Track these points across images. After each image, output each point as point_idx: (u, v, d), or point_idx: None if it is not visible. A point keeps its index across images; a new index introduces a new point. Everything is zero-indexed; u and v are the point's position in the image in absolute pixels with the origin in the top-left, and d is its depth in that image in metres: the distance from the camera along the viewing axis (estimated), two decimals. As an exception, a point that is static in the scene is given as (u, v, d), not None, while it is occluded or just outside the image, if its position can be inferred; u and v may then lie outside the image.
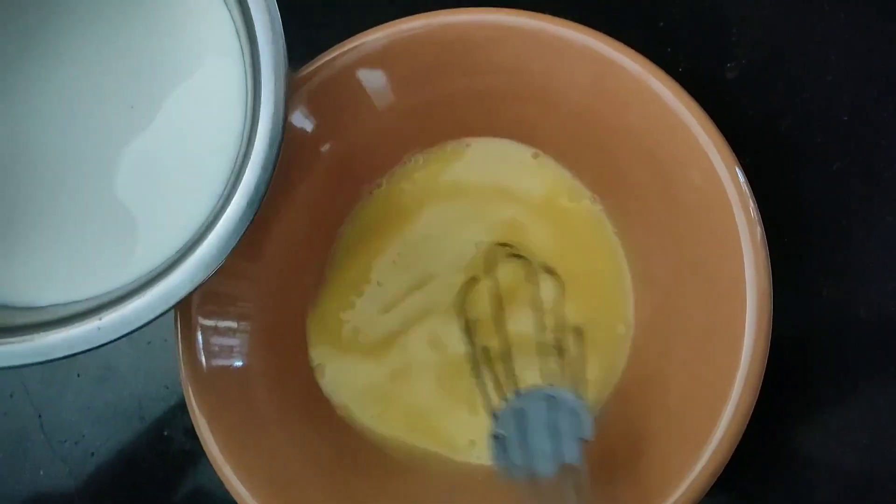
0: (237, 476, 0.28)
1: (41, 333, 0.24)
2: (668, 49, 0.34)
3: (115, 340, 0.24)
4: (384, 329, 0.33)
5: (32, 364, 0.24)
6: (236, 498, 0.28)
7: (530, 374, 0.29)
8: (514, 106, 0.32)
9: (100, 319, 0.24)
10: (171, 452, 0.35)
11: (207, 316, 0.30)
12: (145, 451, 0.36)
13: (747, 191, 0.26)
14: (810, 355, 0.31)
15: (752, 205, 0.26)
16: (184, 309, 0.29)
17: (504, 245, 0.32)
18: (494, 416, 0.26)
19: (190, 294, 0.25)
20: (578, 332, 0.29)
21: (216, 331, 0.30)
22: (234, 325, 0.31)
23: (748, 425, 0.25)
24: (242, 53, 0.26)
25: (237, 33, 0.26)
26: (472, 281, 0.31)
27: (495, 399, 0.27)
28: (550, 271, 0.30)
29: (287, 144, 0.25)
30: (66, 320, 0.24)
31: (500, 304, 0.30)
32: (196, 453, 0.35)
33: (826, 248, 0.32)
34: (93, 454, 0.36)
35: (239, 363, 0.30)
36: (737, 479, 0.31)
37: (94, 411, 0.36)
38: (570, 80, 0.30)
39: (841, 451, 0.30)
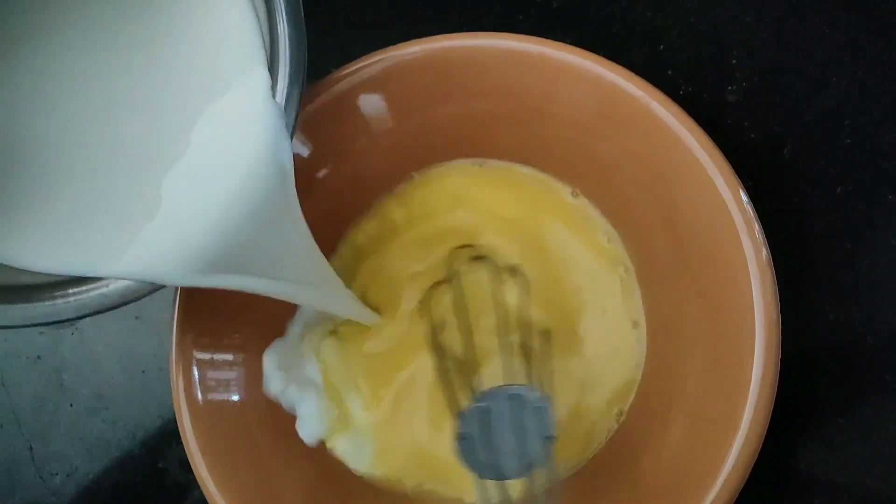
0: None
1: (55, 297, 0.25)
2: (669, 72, 0.34)
3: (120, 306, 0.25)
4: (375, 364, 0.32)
5: (40, 325, 0.25)
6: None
7: (496, 375, 0.29)
8: (516, 130, 0.32)
9: (106, 287, 0.25)
10: (166, 485, 0.35)
11: (203, 349, 0.29)
12: (139, 483, 0.35)
13: (752, 213, 0.26)
14: (817, 380, 0.31)
15: (757, 227, 0.26)
16: (179, 341, 0.29)
17: (466, 247, 0.32)
18: (460, 415, 0.26)
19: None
20: (546, 334, 0.29)
21: (212, 364, 0.29)
22: (230, 357, 0.30)
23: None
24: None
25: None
26: (435, 285, 0.31)
27: (461, 400, 0.27)
28: (514, 271, 0.30)
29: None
30: (70, 283, 0.25)
31: (464, 307, 0.30)
32: (191, 486, 0.34)
33: (831, 273, 0.31)
34: (85, 487, 0.35)
35: (235, 397, 0.30)
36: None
37: (87, 442, 0.36)
38: (572, 105, 0.29)
39: (848, 477, 0.30)
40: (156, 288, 0.25)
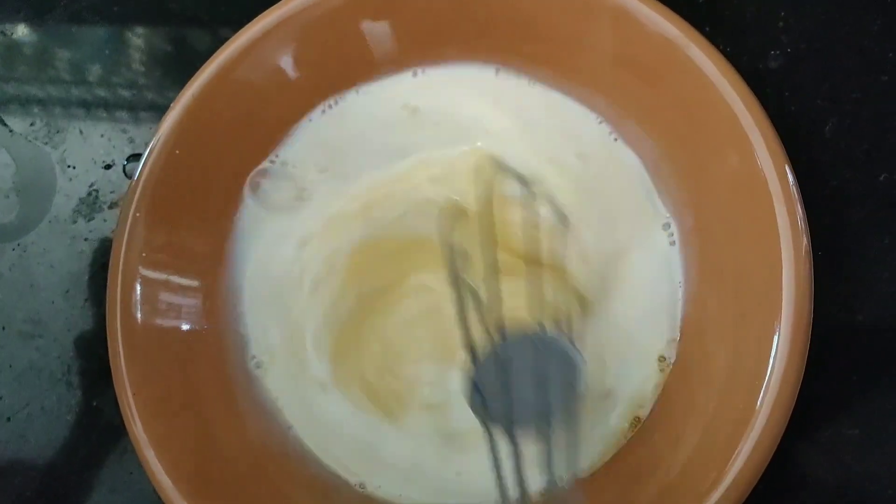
0: (161, 462, 0.24)
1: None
2: (707, 28, 0.30)
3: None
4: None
5: None
6: (156, 486, 0.24)
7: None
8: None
9: None
10: (99, 425, 0.31)
11: (155, 267, 0.26)
12: (70, 421, 0.31)
13: (796, 195, 0.23)
14: (837, 384, 0.27)
15: (799, 213, 0.23)
16: (127, 254, 0.25)
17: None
18: (475, 360, 0.22)
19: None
20: (582, 300, 0.25)
21: (163, 285, 0.26)
22: (184, 281, 0.27)
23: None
24: None
25: None
26: (455, 206, 0.26)
27: (478, 337, 0.23)
28: (558, 208, 0.26)
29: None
30: None
31: (491, 230, 0.26)
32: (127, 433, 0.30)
33: (864, 269, 0.28)
34: (9, 419, 0.32)
35: (186, 326, 0.26)
36: None
37: (16, 370, 0.32)
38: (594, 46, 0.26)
39: (829, 469, 0.27)
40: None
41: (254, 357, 0.28)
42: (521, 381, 0.21)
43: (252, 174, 0.29)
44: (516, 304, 0.25)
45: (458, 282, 0.24)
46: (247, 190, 0.28)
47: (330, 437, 0.27)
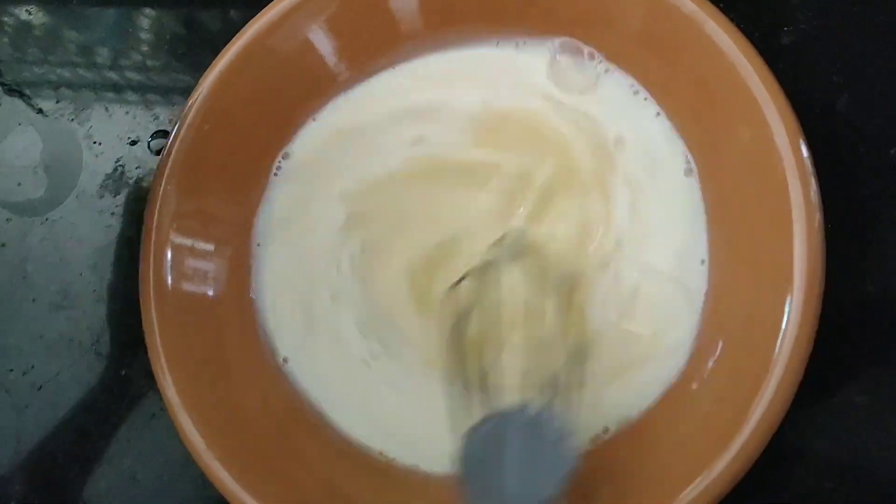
0: (196, 426, 0.25)
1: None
2: (721, 5, 0.31)
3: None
4: None
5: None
6: (191, 449, 0.25)
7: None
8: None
9: None
10: (128, 394, 0.32)
11: (184, 233, 0.26)
12: (99, 390, 0.32)
13: (809, 168, 0.23)
14: (844, 354, 0.28)
15: (813, 188, 0.23)
16: (159, 220, 0.26)
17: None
18: (463, 439, 0.22)
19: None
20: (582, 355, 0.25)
21: (192, 252, 0.27)
22: (211, 248, 0.27)
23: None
24: None
25: None
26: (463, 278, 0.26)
27: (470, 413, 0.23)
28: (566, 292, 0.26)
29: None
30: None
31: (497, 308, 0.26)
32: (155, 400, 0.31)
33: (875, 241, 0.28)
34: (40, 388, 0.33)
35: (211, 292, 0.27)
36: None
37: (47, 341, 0.33)
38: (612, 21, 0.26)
39: (838, 436, 0.27)
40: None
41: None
42: (508, 464, 0.21)
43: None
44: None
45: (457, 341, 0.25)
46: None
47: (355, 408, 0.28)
